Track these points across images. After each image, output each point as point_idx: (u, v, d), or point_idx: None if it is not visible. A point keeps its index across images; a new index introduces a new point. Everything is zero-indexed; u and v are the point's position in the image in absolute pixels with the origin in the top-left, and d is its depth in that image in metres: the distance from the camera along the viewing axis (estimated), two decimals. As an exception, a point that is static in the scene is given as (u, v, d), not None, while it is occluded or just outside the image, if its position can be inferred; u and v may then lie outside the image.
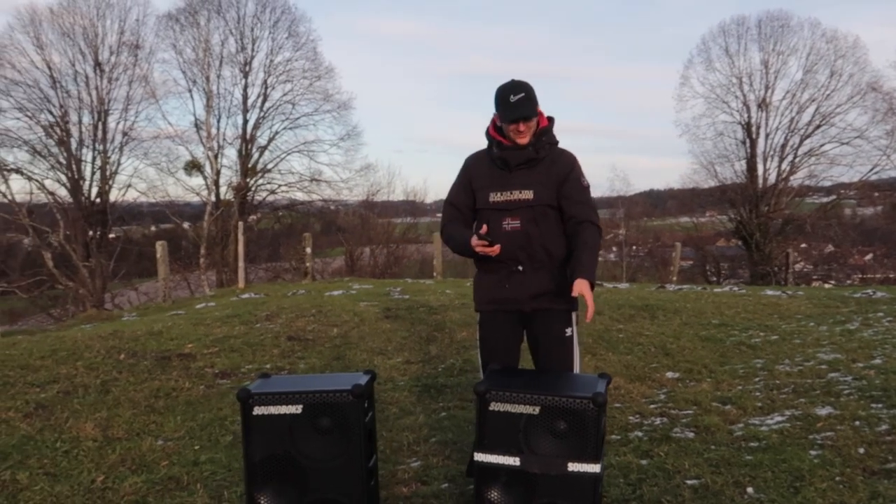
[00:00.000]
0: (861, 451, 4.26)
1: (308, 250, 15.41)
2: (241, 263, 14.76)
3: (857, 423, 4.73)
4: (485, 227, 3.56)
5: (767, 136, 33.47)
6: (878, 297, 10.69)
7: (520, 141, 3.65)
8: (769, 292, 11.88)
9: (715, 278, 34.67)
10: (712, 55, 34.33)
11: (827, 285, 26.04)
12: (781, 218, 33.20)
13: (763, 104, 33.47)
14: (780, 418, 4.97)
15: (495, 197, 3.68)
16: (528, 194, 3.63)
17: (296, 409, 3.27)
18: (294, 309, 9.68)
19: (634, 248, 41.68)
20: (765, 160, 33.51)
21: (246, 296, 12.36)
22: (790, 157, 33.13)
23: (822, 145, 33.03)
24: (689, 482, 3.98)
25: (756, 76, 33.50)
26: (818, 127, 32.89)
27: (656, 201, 52.62)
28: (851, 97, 32.06)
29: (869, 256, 37.22)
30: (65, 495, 4.06)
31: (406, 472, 4.27)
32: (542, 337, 3.70)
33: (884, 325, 8.17)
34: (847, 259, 36.19)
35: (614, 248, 41.31)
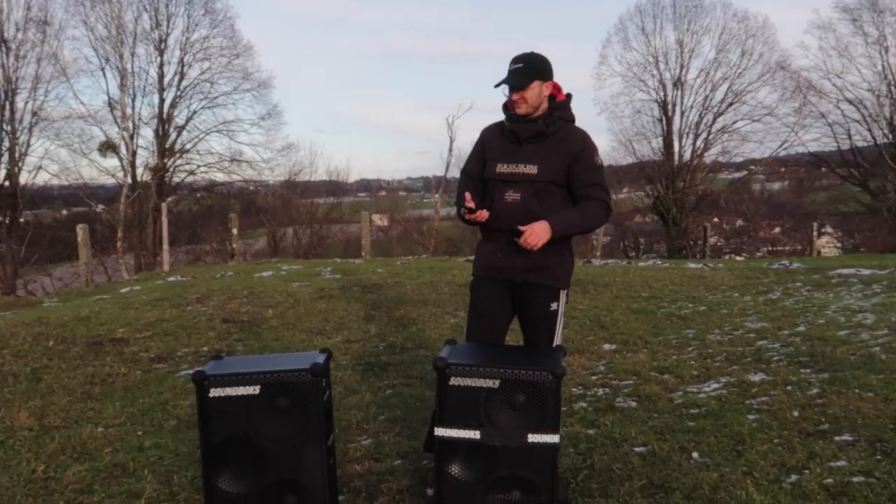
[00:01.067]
0: (795, 413, 4.45)
1: (234, 231, 15.15)
2: (165, 246, 14.43)
3: (790, 387, 4.94)
4: (468, 197, 3.57)
5: (683, 113, 34.41)
6: (794, 267, 11.14)
7: (518, 111, 3.62)
8: (692, 265, 12.24)
9: (634, 253, 35.49)
10: (629, 34, 34.99)
11: (738, 258, 26.94)
12: (696, 193, 34.18)
13: (678, 82, 34.30)
14: (716, 385, 5.14)
15: (502, 168, 3.65)
16: (532, 169, 3.58)
17: (253, 389, 3.22)
18: (225, 291, 9.52)
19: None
20: (680, 137, 34.43)
21: (172, 279, 12.08)
22: (704, 135, 34.13)
23: (734, 122, 34.15)
24: (636, 449, 4.09)
25: (671, 55, 34.31)
26: (731, 105, 33.95)
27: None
28: (762, 76, 33.20)
29: (777, 230, 38.58)
30: (4, 486, 3.93)
31: (357, 451, 4.27)
32: (528, 309, 3.71)
33: (803, 294, 8.52)
34: (757, 232, 37.48)
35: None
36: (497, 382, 3.20)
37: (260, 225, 33.89)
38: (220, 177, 33.04)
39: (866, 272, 10.08)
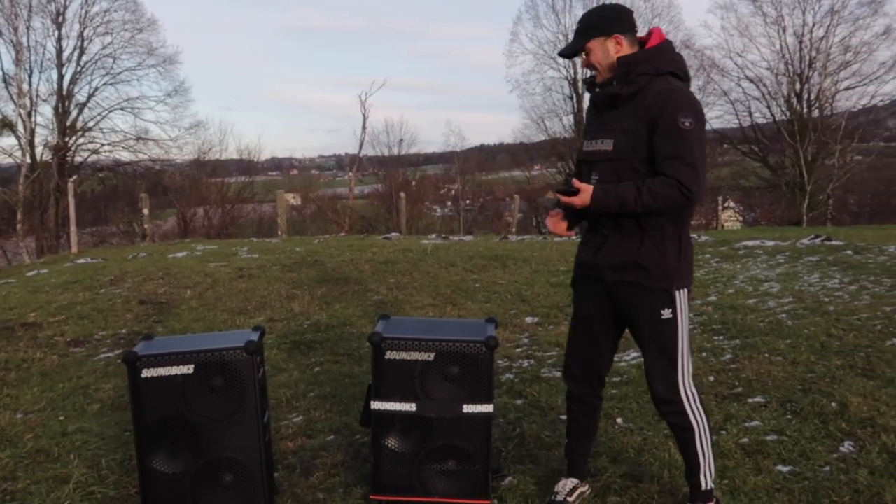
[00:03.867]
0: (711, 378, 4.67)
1: (145, 212, 14.75)
2: (73, 227, 13.94)
3: (704, 354, 5.16)
4: (549, 195, 3.10)
5: (592, 91, 34.94)
6: (703, 240, 11.56)
7: (599, 81, 3.00)
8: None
9: (546, 229, 36.06)
10: (540, 12, 35.61)
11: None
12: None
13: (587, 60, 34.84)
14: (635, 354, 5.32)
15: (587, 146, 3.06)
16: (608, 144, 2.92)
17: (187, 368, 3.19)
18: (139, 272, 9.30)
19: (468, 202, 42.58)
20: (590, 114, 35.00)
21: (82, 261, 11.70)
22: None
23: (642, 99, 34.85)
24: (563, 417, 4.19)
25: (581, 33, 34.77)
26: (638, 82, 34.64)
27: (488, 156, 53.93)
28: (666, 54, 33.92)
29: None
30: (-79, 478, 3.79)
31: (289, 428, 4.27)
32: (631, 315, 3.02)
33: (713, 266, 8.87)
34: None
35: (449, 203, 42.10)
36: (432, 355, 3.26)
37: (168, 205, 33.05)
38: (125, 156, 32.09)
39: (770, 244, 10.55)
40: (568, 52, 3.04)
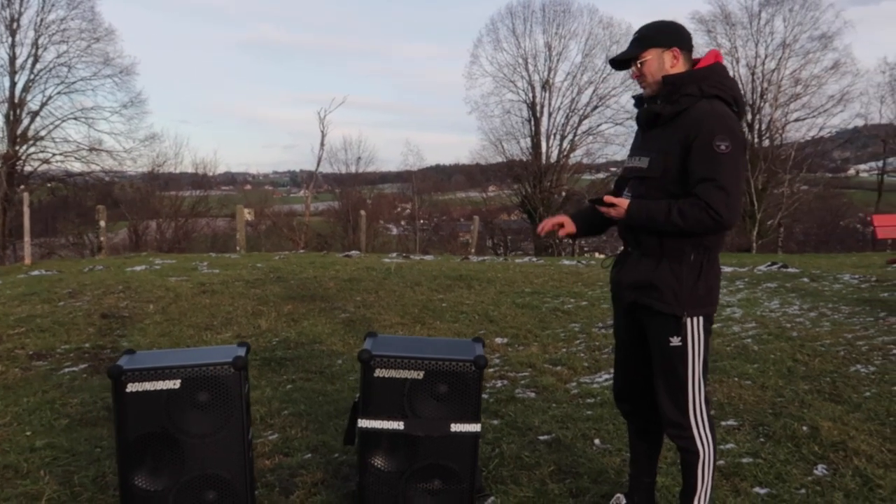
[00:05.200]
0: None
1: (102, 224, 14.47)
2: (27, 238, 13.62)
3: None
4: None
5: (551, 115, 35.62)
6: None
7: (645, 92, 2.98)
8: (566, 262, 12.68)
9: (502, 250, 36.30)
10: (500, 35, 35.87)
11: (600, 256, 28.01)
12: (563, 192, 35.36)
13: (546, 85, 35.42)
14: (607, 376, 5.38)
15: (627, 163, 3.04)
16: (643, 162, 2.90)
17: (174, 384, 3.15)
18: (98, 285, 9.12)
19: (423, 221, 42.66)
20: (548, 138, 35.62)
21: (36, 272, 11.42)
22: (571, 136, 35.45)
23: (598, 125, 35.68)
24: (541, 437, 4.25)
25: (540, 57, 35.40)
26: (595, 108, 35.42)
27: (444, 176, 54.16)
28: (624, 81, 34.65)
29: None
30: None
31: (265, 446, 4.22)
32: (647, 336, 2.99)
33: (675, 290, 8.99)
34: (614, 231, 39.02)
35: (403, 222, 42.12)
36: (421, 373, 3.26)
37: (119, 217, 32.47)
38: (77, 166, 31.45)
39: (728, 269, 10.76)
40: (621, 59, 2.96)
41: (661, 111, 2.84)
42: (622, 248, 3.09)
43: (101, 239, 14.57)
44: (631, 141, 3.14)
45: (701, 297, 2.85)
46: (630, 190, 2.95)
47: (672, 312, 2.84)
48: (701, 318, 2.87)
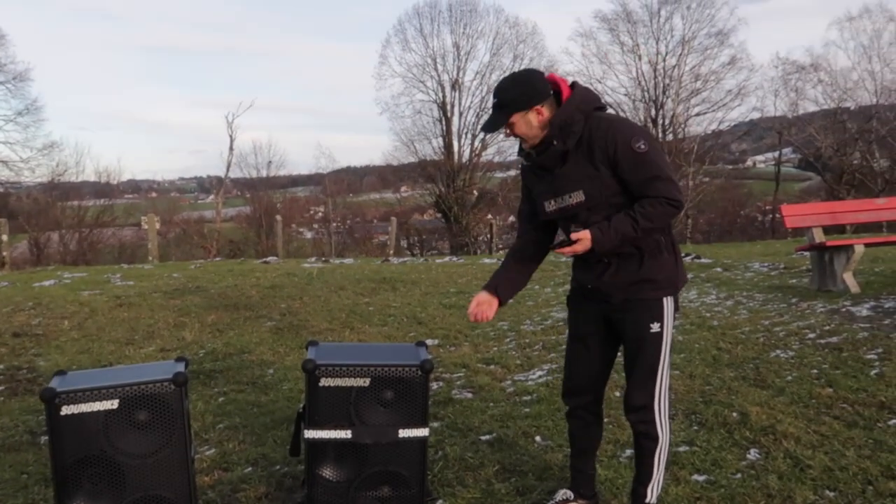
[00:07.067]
0: (617, 394, 4.83)
1: (4, 238, 13.83)
2: (-79, 255, 12.90)
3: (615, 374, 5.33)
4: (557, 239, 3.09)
5: (461, 114, 35.83)
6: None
7: (526, 148, 3.06)
8: (487, 260, 12.78)
9: (418, 250, 36.34)
10: (408, 36, 35.86)
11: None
12: (476, 191, 35.63)
13: (456, 84, 35.63)
14: (540, 373, 5.45)
15: (550, 206, 3.08)
16: (579, 196, 2.96)
17: (111, 404, 3.04)
18: (5, 302, 8.73)
19: (336, 224, 42.31)
20: (459, 137, 35.79)
21: (-65, 292, 10.85)
22: (482, 135, 35.60)
23: (509, 123, 35.86)
24: (483, 437, 4.27)
25: (449, 57, 35.56)
26: (504, 106, 35.64)
27: (356, 177, 53.92)
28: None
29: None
30: None
31: (203, 461, 4.11)
32: (625, 329, 3.09)
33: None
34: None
35: (316, 225, 41.72)
36: (367, 381, 3.24)
37: (18, 230, 31.06)
38: (-31, 177, 29.89)
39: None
40: (491, 128, 3.06)
41: (566, 147, 2.94)
42: (594, 262, 3.08)
43: (4, 254, 13.93)
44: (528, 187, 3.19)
45: (680, 276, 3.10)
46: (578, 224, 2.99)
47: (667, 295, 3.02)
48: (672, 298, 3.06)
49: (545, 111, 2.95)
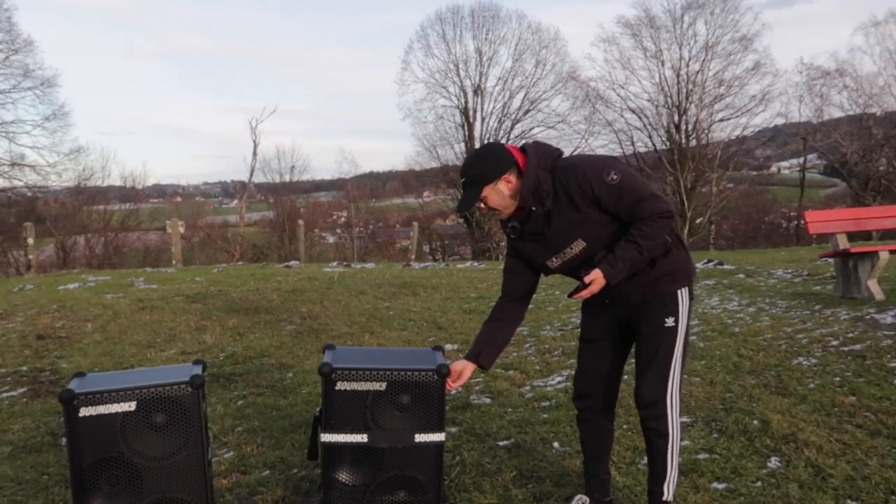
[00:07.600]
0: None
1: (31, 241, 14.00)
2: (-51, 258, 13.05)
3: (626, 377, 5.29)
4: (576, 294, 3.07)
5: (483, 119, 35.83)
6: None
7: (503, 219, 3.14)
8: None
9: (440, 255, 36.37)
10: (431, 41, 35.93)
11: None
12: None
13: (478, 90, 35.65)
14: (559, 378, 5.43)
15: (554, 263, 3.13)
16: (580, 245, 3.03)
17: (129, 406, 3.06)
18: (30, 305, 8.83)
19: (358, 229, 42.48)
20: (481, 142, 35.66)
21: (-39, 294, 11.00)
22: (504, 140, 35.56)
23: (531, 129, 35.97)
24: (500, 443, 4.25)
25: (471, 63, 35.59)
26: (527, 112, 35.78)
27: (378, 183, 54.06)
28: (554, 85, 35.24)
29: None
30: None
31: (221, 464, 4.13)
32: (640, 327, 3.13)
33: (617, 290, 9.13)
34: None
35: (338, 230, 41.87)
36: (384, 385, 3.23)
37: (45, 234, 31.45)
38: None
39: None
40: (465, 206, 3.11)
41: (546, 208, 3.00)
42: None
43: (30, 257, 14.10)
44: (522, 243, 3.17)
45: (691, 265, 3.19)
46: (586, 267, 3.01)
47: (682, 286, 3.09)
48: (686, 290, 3.11)
49: (513, 178, 3.01)
